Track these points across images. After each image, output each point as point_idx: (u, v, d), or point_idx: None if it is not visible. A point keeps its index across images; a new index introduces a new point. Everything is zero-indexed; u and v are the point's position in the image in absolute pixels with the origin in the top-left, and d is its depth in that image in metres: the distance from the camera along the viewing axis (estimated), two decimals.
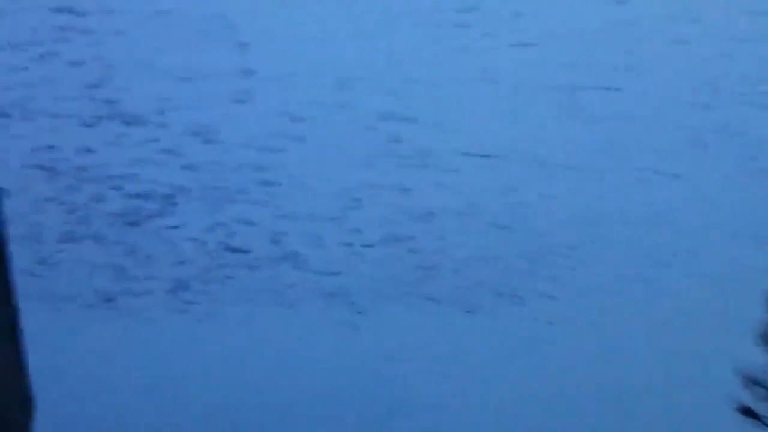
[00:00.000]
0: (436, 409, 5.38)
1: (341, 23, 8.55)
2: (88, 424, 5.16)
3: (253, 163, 6.55)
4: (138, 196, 6.95)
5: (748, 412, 4.50)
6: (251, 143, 6.75)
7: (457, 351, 5.33)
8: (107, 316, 6.04)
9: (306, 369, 5.31)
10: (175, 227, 6.48)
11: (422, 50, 8.59)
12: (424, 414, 5.31)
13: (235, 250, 6.28)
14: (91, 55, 7.88)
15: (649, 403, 5.29)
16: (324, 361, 5.33)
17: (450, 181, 7.00)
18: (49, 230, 6.36)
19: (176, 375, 5.42)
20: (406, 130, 7.18)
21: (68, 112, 6.73)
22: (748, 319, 4.59)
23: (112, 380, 5.44)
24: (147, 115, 6.66)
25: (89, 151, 6.61)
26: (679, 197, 8.12)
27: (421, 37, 8.68)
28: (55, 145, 6.54)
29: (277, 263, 5.92)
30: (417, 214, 6.46)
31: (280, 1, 8.67)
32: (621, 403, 5.30)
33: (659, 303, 6.55)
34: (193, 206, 6.53)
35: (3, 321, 2.62)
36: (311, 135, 6.88)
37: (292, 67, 8.37)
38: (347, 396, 5.25)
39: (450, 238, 6.40)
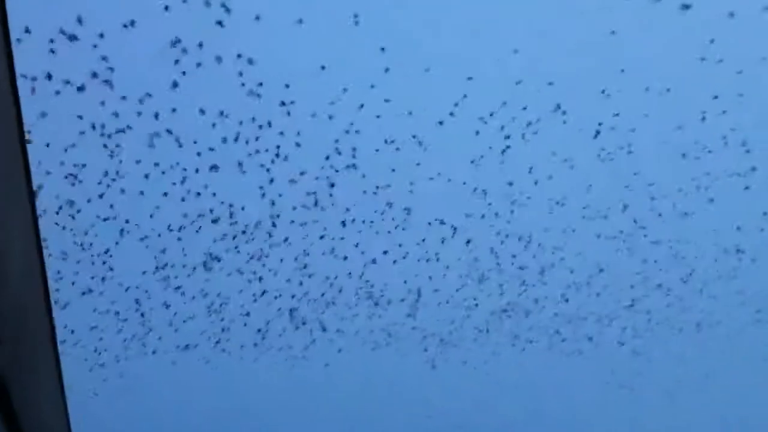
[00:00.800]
0: None
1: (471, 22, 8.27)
2: None
3: (376, 185, 6.38)
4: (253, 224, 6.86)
5: None
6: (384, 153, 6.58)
7: (544, 388, 5.11)
8: (211, 359, 6.01)
9: (390, 409, 5.22)
10: (280, 260, 6.38)
11: (559, 46, 8.12)
12: None
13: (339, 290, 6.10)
14: (234, 54, 7.83)
15: None
16: (407, 401, 5.23)
17: (568, 191, 6.56)
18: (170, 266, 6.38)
19: (269, 413, 5.41)
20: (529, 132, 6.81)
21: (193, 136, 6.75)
22: None
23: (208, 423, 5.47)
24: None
25: (213, 168, 6.60)
26: None
27: (557, 33, 8.22)
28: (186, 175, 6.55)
29: (362, 302, 5.79)
30: (517, 237, 6.15)
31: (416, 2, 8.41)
32: None
33: None
34: (301, 232, 6.43)
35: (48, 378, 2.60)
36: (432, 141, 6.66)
37: (426, 63, 8.10)
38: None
39: (549, 268, 6.04)
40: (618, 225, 3.07)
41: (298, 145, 1.61)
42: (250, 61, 1.30)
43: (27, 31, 1.19)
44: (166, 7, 1.29)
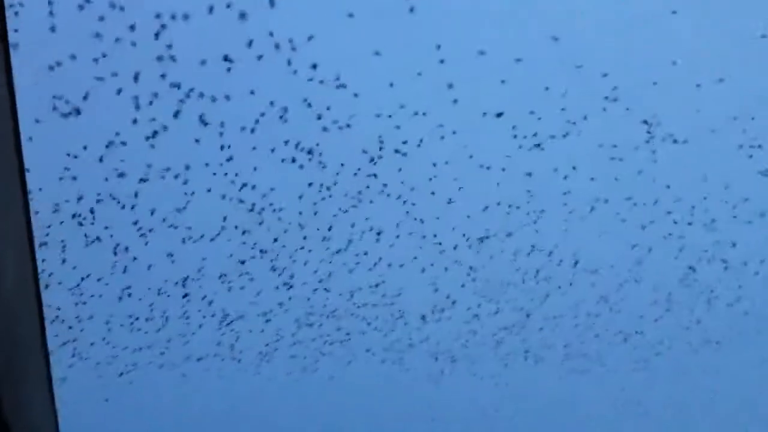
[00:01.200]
0: None
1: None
2: None
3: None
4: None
5: None
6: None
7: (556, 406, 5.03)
8: (228, 370, 5.89)
9: (396, 416, 5.11)
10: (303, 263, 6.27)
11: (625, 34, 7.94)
12: None
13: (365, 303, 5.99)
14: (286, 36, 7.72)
15: None
16: (412, 414, 5.12)
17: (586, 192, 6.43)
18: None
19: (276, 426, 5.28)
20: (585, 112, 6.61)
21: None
22: None
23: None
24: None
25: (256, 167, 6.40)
26: None
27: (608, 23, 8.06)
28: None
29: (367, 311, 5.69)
30: (547, 252, 6.00)
31: None
32: None
33: None
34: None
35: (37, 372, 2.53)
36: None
37: (480, 46, 7.93)
38: None
39: (567, 280, 5.91)
40: (658, 232, 2.95)
41: (344, 127, 1.55)
42: (310, 40, 1.24)
43: (81, 7, 1.14)
44: (211, 8, 1.24)
